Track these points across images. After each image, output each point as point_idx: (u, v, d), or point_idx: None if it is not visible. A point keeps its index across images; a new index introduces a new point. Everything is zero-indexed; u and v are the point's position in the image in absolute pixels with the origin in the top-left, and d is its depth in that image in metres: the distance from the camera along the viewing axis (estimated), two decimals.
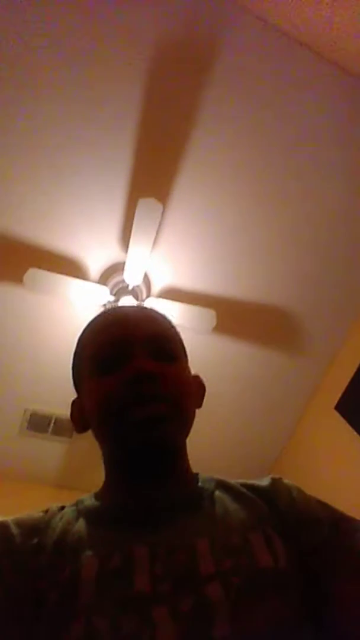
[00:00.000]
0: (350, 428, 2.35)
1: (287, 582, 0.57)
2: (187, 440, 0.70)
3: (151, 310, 0.78)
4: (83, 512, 0.65)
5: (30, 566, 0.57)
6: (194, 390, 0.72)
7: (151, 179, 2.15)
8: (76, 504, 0.68)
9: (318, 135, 2.17)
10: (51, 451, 2.76)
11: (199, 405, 0.74)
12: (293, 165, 2.23)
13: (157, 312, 0.77)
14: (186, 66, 1.97)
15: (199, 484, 0.69)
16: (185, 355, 0.75)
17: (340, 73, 2.04)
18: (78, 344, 0.75)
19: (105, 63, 1.90)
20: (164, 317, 0.76)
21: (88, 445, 0.72)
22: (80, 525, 0.62)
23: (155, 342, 0.68)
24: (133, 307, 0.82)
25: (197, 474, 0.72)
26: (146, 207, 1.92)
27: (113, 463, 0.69)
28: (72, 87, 1.92)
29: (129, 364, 0.64)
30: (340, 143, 2.21)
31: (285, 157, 2.20)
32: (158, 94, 1.98)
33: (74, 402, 0.74)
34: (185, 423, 0.67)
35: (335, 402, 2.50)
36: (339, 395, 2.49)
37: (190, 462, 0.71)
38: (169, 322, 0.76)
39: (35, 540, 0.60)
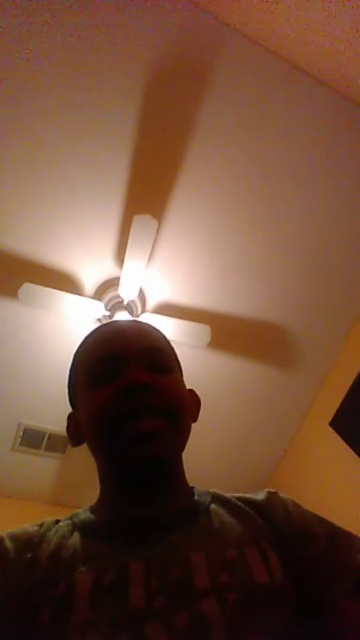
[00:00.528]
0: (345, 444, 2.34)
1: (283, 599, 0.57)
2: (183, 455, 0.69)
3: (145, 324, 0.78)
4: (78, 526, 0.64)
5: (25, 581, 0.57)
6: (189, 403, 0.72)
7: (147, 196, 2.18)
8: (71, 517, 0.67)
9: (313, 154, 2.22)
10: (44, 467, 2.73)
11: (195, 420, 0.74)
12: (288, 183, 2.26)
13: (150, 326, 0.77)
14: (181, 85, 2.01)
15: (195, 497, 0.69)
16: (180, 369, 0.75)
17: (333, 94, 2.09)
18: (74, 359, 0.75)
19: (102, 83, 1.93)
20: (157, 331, 0.77)
21: (82, 461, 0.72)
22: (75, 539, 0.62)
23: (149, 355, 0.69)
24: (127, 321, 0.83)
25: (192, 488, 0.72)
26: (142, 223, 1.93)
27: (108, 476, 0.69)
28: (69, 105, 1.94)
29: (123, 375, 0.64)
30: (334, 162, 2.25)
31: (279, 175, 2.24)
32: (154, 112, 2.02)
33: (70, 416, 0.74)
34: (180, 437, 0.67)
35: (330, 418, 2.50)
36: (334, 411, 2.49)
37: (186, 477, 0.71)
38: (163, 336, 0.77)
39: (30, 555, 0.59)
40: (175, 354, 0.76)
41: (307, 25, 1.68)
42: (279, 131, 2.15)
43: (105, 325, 0.78)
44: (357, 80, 1.87)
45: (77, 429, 0.71)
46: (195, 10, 1.87)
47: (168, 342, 0.76)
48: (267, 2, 1.66)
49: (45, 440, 2.61)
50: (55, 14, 1.80)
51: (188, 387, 0.75)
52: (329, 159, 2.24)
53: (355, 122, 2.18)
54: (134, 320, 0.83)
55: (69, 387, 0.76)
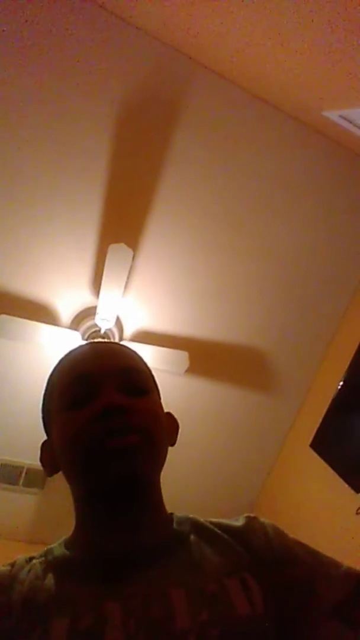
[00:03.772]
0: (326, 465, 2.35)
1: (265, 629, 0.56)
2: (164, 483, 0.68)
3: (120, 345, 0.77)
4: (52, 564, 0.62)
5: None
6: (166, 425, 0.70)
7: (121, 225, 2.21)
8: (45, 554, 0.65)
9: (286, 181, 2.30)
10: (23, 504, 2.65)
11: (173, 443, 0.73)
12: (262, 210, 2.33)
13: (125, 347, 0.76)
14: (154, 117, 2.07)
15: (174, 525, 0.68)
16: (157, 390, 0.74)
17: (299, 125, 2.19)
18: (47, 382, 0.73)
19: (76, 115, 1.98)
20: (132, 352, 0.75)
21: (62, 496, 0.70)
22: (50, 580, 0.59)
23: (124, 376, 0.67)
24: (101, 342, 0.81)
25: (171, 514, 0.70)
26: (117, 252, 1.95)
27: (83, 504, 0.66)
28: (43, 137, 1.98)
29: (98, 398, 0.63)
30: (309, 188, 2.34)
31: (253, 202, 2.31)
32: (127, 143, 2.07)
33: (43, 444, 0.72)
34: (156, 456, 0.65)
35: (310, 440, 2.51)
36: (313, 433, 2.50)
37: (168, 505, 0.70)
38: (139, 356, 0.75)
39: (1, 599, 0.56)
40: (151, 374, 0.75)
41: (274, 59, 1.76)
42: (250, 160, 2.23)
43: (79, 347, 0.75)
44: (319, 112, 1.95)
45: (51, 457, 0.69)
46: (166, 48, 1.95)
47: (144, 363, 0.75)
48: (231, 38, 1.73)
49: (23, 475, 2.54)
50: (29, 49, 1.85)
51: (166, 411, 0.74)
52: (302, 185, 2.33)
53: (320, 149, 2.28)
54: (108, 342, 0.82)
55: (43, 412, 0.73)
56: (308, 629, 0.59)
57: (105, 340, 2.24)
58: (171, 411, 0.75)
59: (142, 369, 0.72)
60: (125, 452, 0.60)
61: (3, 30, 1.80)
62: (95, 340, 2.20)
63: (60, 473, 0.68)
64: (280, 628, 0.58)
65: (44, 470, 0.71)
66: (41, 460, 0.71)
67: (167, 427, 0.71)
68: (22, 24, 1.81)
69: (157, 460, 0.65)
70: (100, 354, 0.72)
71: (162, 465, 0.66)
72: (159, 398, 0.73)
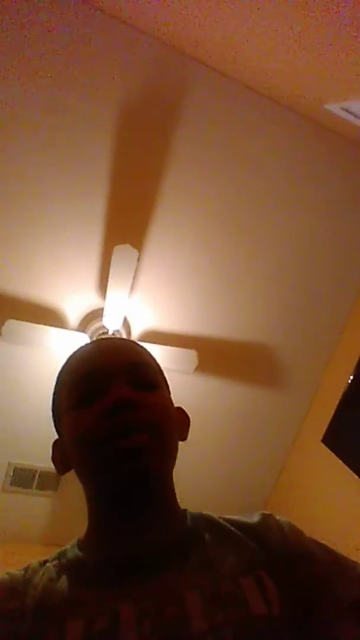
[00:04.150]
0: (339, 460, 2.34)
1: (282, 630, 0.56)
2: (177, 482, 0.68)
3: (127, 340, 0.77)
4: (66, 567, 0.62)
5: (10, 634, 0.54)
6: (177, 420, 0.70)
7: (126, 226, 2.21)
8: (58, 557, 0.64)
9: (280, 178, 2.29)
10: (37, 507, 2.66)
11: (184, 438, 0.72)
12: (259, 208, 2.32)
13: (133, 342, 0.76)
14: (155, 118, 2.07)
15: (188, 522, 0.67)
16: (167, 385, 0.73)
17: (297, 117, 2.18)
18: (56, 382, 0.73)
19: (78, 120, 1.99)
20: (141, 347, 0.75)
21: (75, 498, 0.70)
22: (63, 583, 0.59)
23: (133, 371, 0.66)
24: (108, 339, 0.81)
25: (185, 511, 0.70)
26: (122, 253, 1.95)
27: (96, 503, 0.66)
28: (46, 142, 1.99)
29: (107, 394, 0.62)
30: (313, 184, 2.33)
31: (251, 200, 2.30)
32: (129, 145, 2.07)
33: (55, 443, 0.72)
34: (167, 453, 0.64)
35: (322, 435, 2.50)
36: (325, 428, 2.49)
37: (181, 502, 0.69)
38: (147, 352, 0.75)
39: (14, 605, 0.56)
40: (160, 370, 0.74)
41: (274, 54, 1.75)
42: (252, 157, 2.23)
43: (86, 345, 0.75)
44: (320, 105, 1.94)
45: (62, 455, 0.69)
46: (166, 48, 1.95)
47: (153, 358, 0.74)
48: (230, 34, 1.73)
49: (37, 478, 2.55)
50: (29, 52, 1.85)
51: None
52: (306, 180, 2.32)
53: (322, 142, 2.27)
54: (115, 338, 0.82)
55: (53, 411, 0.73)
56: (322, 628, 0.59)
57: (112, 336, 2.24)
58: None
59: (150, 364, 0.72)
60: (135, 451, 0.59)
61: (3, 34, 1.80)
62: (103, 337, 2.20)
63: (72, 473, 0.68)
64: (295, 628, 0.57)
65: (55, 469, 0.71)
66: (53, 459, 0.71)
67: (178, 422, 0.71)
68: (22, 28, 1.81)
69: (168, 457, 0.64)
70: (108, 350, 0.72)
71: (174, 461, 0.66)
72: (169, 393, 0.72)
